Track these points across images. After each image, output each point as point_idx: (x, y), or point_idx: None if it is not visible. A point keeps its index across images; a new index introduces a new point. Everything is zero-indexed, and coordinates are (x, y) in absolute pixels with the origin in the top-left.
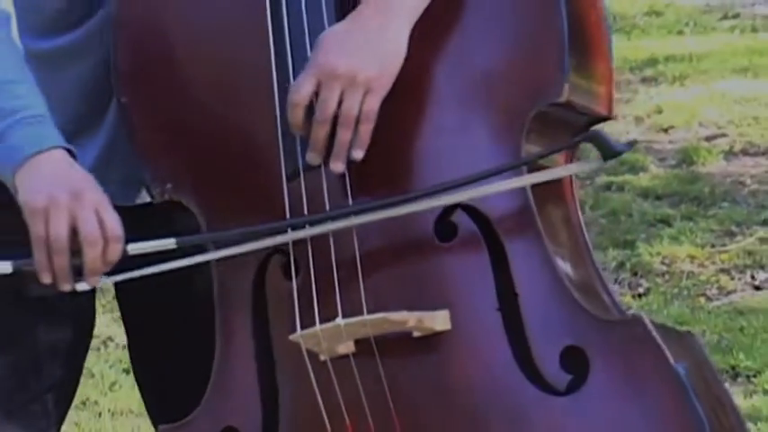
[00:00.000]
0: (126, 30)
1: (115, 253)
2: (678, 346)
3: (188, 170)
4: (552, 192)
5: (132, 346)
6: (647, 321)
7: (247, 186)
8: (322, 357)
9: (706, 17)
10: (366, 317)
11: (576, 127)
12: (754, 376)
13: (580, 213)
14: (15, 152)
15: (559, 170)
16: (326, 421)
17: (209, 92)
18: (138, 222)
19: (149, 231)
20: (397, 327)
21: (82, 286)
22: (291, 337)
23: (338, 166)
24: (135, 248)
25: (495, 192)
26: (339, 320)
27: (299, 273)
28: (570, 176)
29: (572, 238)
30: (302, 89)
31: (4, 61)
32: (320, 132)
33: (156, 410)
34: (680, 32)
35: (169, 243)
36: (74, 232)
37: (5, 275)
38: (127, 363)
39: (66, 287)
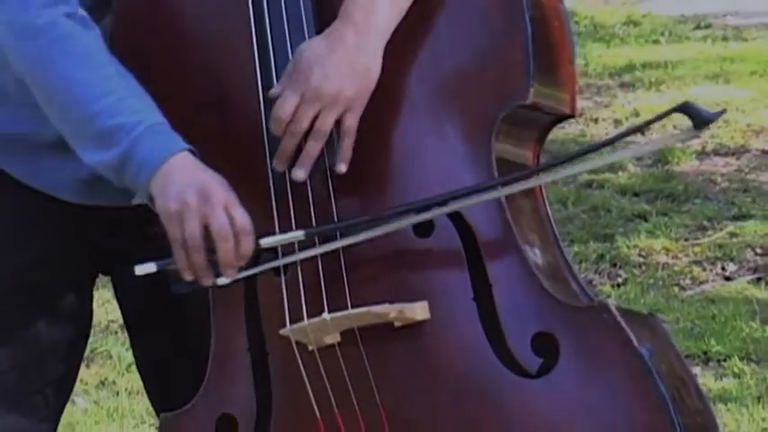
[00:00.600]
0: (122, 36)
1: (247, 246)
2: (643, 329)
3: None
4: (520, 166)
5: (133, 337)
6: (612, 307)
7: (244, 194)
8: (310, 347)
9: (680, 27)
10: (351, 311)
11: (542, 125)
12: (724, 360)
13: (548, 206)
14: (146, 164)
15: (634, 149)
16: (315, 407)
17: (200, 105)
18: (133, 223)
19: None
20: (379, 319)
21: (222, 280)
22: (282, 331)
23: (300, 174)
24: (266, 242)
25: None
26: (326, 315)
27: (288, 270)
28: (538, 155)
29: (541, 229)
30: (286, 106)
31: (110, 78)
32: (290, 143)
33: (157, 398)
34: (656, 41)
35: (298, 235)
36: (207, 230)
37: (151, 276)
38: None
39: (208, 282)
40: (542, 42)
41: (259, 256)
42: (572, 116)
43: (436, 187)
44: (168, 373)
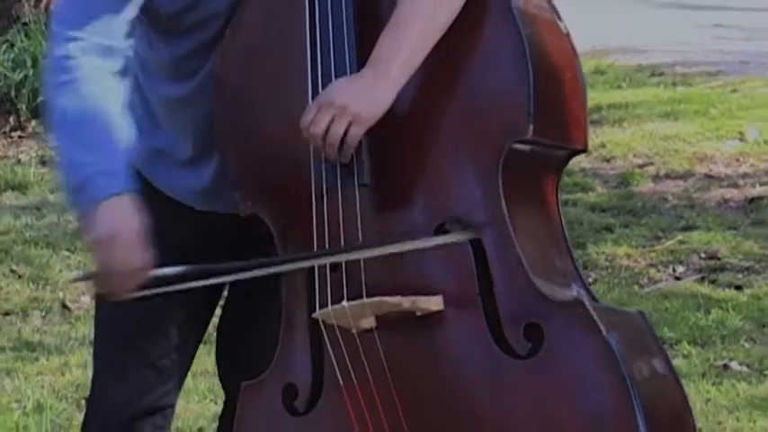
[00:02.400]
0: (223, 88)
1: (138, 280)
2: (617, 322)
3: (260, 194)
4: (533, 199)
5: (222, 323)
6: (586, 303)
7: (296, 207)
8: (353, 330)
9: (638, 75)
10: (365, 300)
11: (554, 158)
12: (676, 344)
13: (561, 218)
14: (90, 197)
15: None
16: (354, 379)
17: (277, 136)
18: (242, 225)
19: (251, 233)
20: (395, 308)
21: (128, 296)
22: (313, 315)
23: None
24: (159, 272)
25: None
26: (344, 303)
27: (337, 269)
28: (556, 183)
29: (548, 237)
30: (308, 114)
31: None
32: (314, 141)
33: (227, 371)
34: (619, 87)
35: (177, 270)
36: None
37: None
38: (203, 336)
39: (115, 297)
40: (550, 87)
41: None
42: (584, 151)
43: (450, 204)
44: (243, 350)
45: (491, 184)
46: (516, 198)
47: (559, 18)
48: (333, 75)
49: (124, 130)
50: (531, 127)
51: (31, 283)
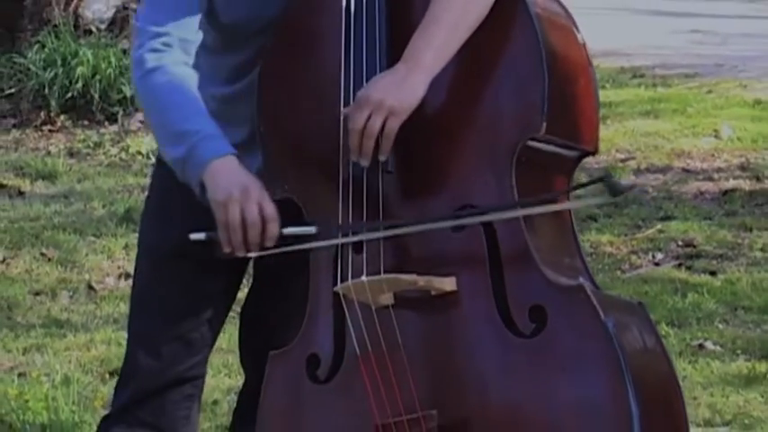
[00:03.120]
0: (266, 83)
1: (272, 233)
2: (616, 308)
3: (296, 178)
4: (543, 193)
5: (247, 304)
6: (587, 288)
7: (327, 191)
8: (373, 306)
9: (621, 76)
10: (382, 276)
11: (566, 159)
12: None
13: (572, 216)
14: (200, 161)
15: (571, 204)
16: (369, 347)
17: (312, 127)
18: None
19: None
20: (410, 285)
21: (250, 254)
22: (335, 288)
23: (363, 161)
24: (287, 231)
25: (521, 214)
26: (364, 278)
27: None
28: (567, 184)
29: (556, 226)
30: (348, 110)
31: (184, 102)
32: (353, 139)
33: (250, 350)
34: (603, 87)
35: (311, 229)
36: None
37: (201, 241)
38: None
39: (240, 254)
40: (564, 90)
41: (286, 240)
42: (594, 153)
43: (467, 193)
44: (267, 322)
45: (505, 176)
46: (528, 191)
47: (577, 29)
48: (364, 70)
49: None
50: (545, 125)
51: (59, 266)
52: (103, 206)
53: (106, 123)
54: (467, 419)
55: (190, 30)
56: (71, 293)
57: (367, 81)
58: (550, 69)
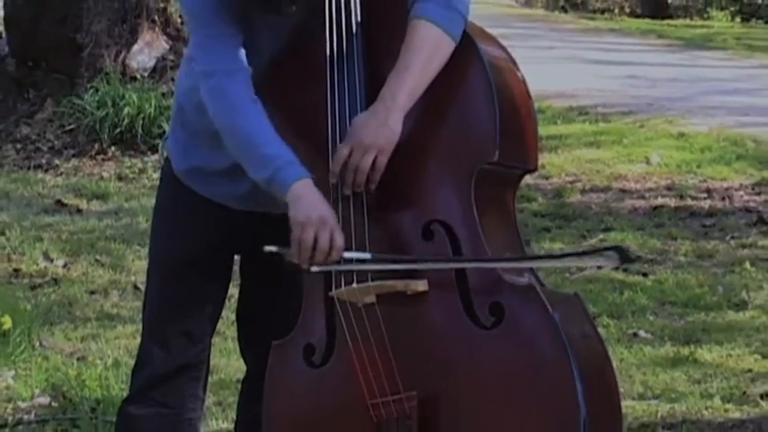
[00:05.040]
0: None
1: (335, 258)
2: (560, 302)
3: None
4: (498, 206)
5: (242, 307)
6: (537, 287)
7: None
8: (359, 305)
9: (570, 113)
10: (369, 283)
11: (513, 175)
12: (597, 317)
13: (516, 220)
14: (283, 183)
15: (577, 261)
16: (360, 339)
17: (305, 158)
18: (266, 224)
19: (269, 230)
20: (392, 289)
21: (314, 269)
22: (330, 293)
23: (347, 191)
24: (346, 255)
25: (504, 267)
26: (354, 285)
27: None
28: (514, 194)
29: (508, 233)
30: (342, 153)
31: (263, 127)
32: (349, 176)
33: (247, 346)
34: (554, 122)
35: (366, 255)
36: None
37: (272, 253)
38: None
39: (305, 268)
40: (511, 122)
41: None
42: (535, 170)
43: (435, 209)
44: (261, 320)
45: (466, 195)
46: (485, 206)
47: (517, 68)
48: (347, 112)
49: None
50: (498, 152)
51: (110, 270)
52: (146, 220)
53: (149, 153)
54: (441, 397)
55: (233, 57)
56: (120, 292)
57: (350, 119)
58: (500, 106)
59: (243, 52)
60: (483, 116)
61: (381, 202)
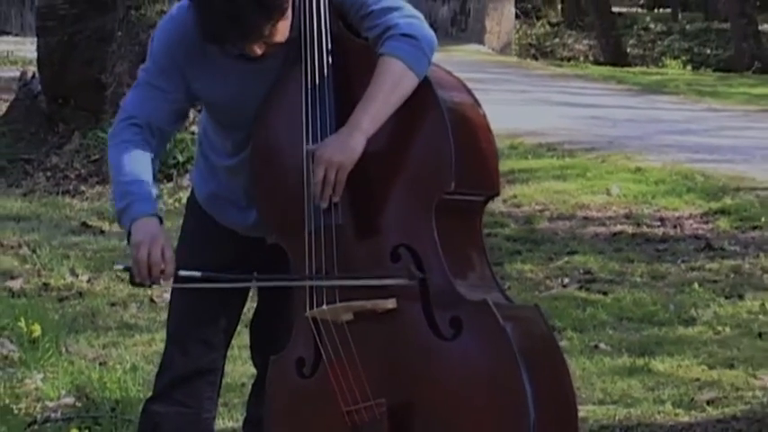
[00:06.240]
0: (255, 153)
1: (170, 271)
2: (514, 315)
3: (279, 230)
4: (460, 230)
5: (255, 319)
6: (490, 302)
7: (298, 240)
8: (338, 322)
9: (539, 149)
10: (338, 304)
11: (476, 202)
12: (562, 330)
13: (483, 241)
14: (132, 215)
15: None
16: (342, 353)
17: (286, 194)
18: (274, 252)
19: (278, 257)
20: (362, 308)
21: (155, 285)
22: (305, 314)
23: (323, 204)
24: (181, 273)
25: None
26: (324, 306)
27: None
28: (480, 217)
29: (471, 252)
30: (311, 167)
31: (133, 169)
32: (317, 188)
33: (258, 353)
34: (526, 157)
35: (196, 273)
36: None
37: (124, 269)
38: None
39: (147, 284)
40: (468, 154)
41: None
42: (497, 195)
43: (401, 235)
44: (270, 332)
45: (428, 222)
46: (447, 231)
47: (478, 105)
48: (319, 133)
49: (150, 174)
50: (454, 183)
51: (129, 285)
52: None
53: (164, 181)
54: (409, 403)
55: (156, 118)
56: (138, 305)
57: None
58: (456, 141)
59: (161, 108)
60: (441, 151)
61: (351, 231)
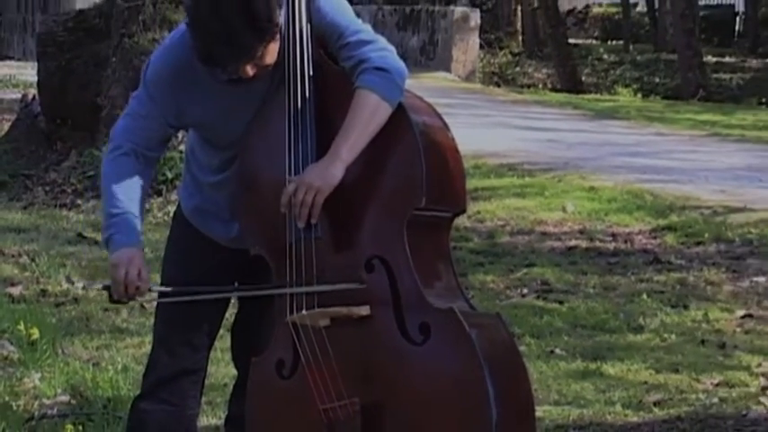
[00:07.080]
0: (240, 173)
1: (144, 289)
2: (479, 322)
3: (261, 243)
4: (430, 243)
5: (236, 322)
6: (456, 310)
7: (279, 250)
8: (316, 326)
9: (500, 169)
10: (315, 311)
11: (444, 218)
12: (521, 337)
13: (450, 254)
14: (114, 245)
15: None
16: (320, 356)
17: (266, 209)
18: (255, 261)
19: (258, 266)
20: (339, 314)
21: (131, 301)
22: (286, 319)
23: (300, 224)
24: (154, 288)
25: None
26: (303, 312)
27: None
28: (448, 232)
29: (439, 263)
30: (288, 189)
31: (122, 198)
32: (295, 210)
33: (239, 355)
34: (488, 177)
35: (167, 289)
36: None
37: (104, 287)
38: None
39: (124, 301)
40: (438, 174)
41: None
42: (464, 211)
43: (375, 247)
44: (250, 336)
45: (400, 235)
46: (417, 244)
47: (447, 128)
48: (301, 166)
49: (137, 201)
50: (424, 200)
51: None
52: (152, 252)
53: (155, 196)
54: (380, 402)
55: (143, 146)
56: (129, 310)
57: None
58: (427, 162)
59: (148, 137)
60: (414, 170)
61: (328, 244)
